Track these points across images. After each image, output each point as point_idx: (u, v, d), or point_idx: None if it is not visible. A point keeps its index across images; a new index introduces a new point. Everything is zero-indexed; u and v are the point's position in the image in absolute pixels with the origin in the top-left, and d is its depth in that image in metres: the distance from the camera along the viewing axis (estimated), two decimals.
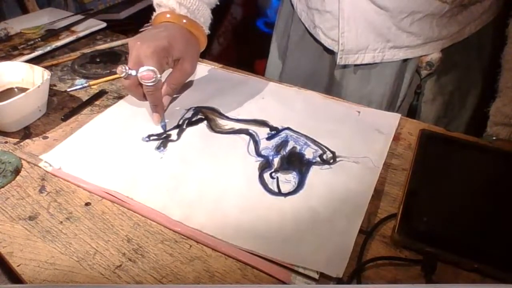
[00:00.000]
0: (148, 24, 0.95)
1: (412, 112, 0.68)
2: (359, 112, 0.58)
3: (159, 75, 0.51)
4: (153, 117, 0.55)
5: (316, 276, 0.36)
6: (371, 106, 0.62)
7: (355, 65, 0.68)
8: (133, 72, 0.51)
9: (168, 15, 0.57)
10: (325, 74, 0.73)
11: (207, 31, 0.60)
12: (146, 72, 0.50)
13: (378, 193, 0.45)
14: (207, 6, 0.60)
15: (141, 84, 0.52)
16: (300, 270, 0.37)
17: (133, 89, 0.54)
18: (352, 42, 0.64)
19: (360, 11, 0.61)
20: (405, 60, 0.65)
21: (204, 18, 0.60)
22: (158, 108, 0.54)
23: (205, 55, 1.55)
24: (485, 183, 0.46)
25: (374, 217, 0.42)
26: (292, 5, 0.76)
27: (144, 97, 0.55)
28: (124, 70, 0.51)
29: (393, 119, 0.56)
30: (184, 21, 0.57)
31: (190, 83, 0.65)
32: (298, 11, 0.74)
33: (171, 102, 0.58)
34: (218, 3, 0.63)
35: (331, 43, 0.68)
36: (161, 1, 0.57)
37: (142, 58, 0.51)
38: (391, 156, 0.50)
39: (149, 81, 0.50)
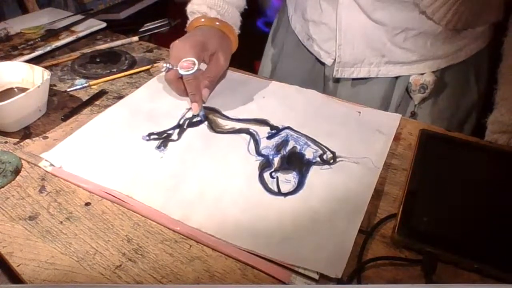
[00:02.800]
0: (148, 23, 0.96)
1: None
2: (359, 112, 0.58)
3: (197, 65, 0.55)
4: (192, 106, 0.57)
5: (316, 277, 0.36)
6: None
7: (348, 79, 0.68)
8: (171, 66, 0.57)
9: (202, 20, 0.63)
10: (317, 86, 0.73)
11: (237, 31, 0.66)
12: (185, 63, 0.55)
13: (378, 193, 0.45)
14: (236, 9, 0.67)
15: (181, 78, 0.57)
16: (300, 270, 0.37)
17: (174, 82, 0.59)
18: (349, 55, 0.65)
19: (357, 24, 0.62)
20: (396, 78, 0.65)
21: (234, 19, 0.66)
22: (197, 97, 0.57)
23: None
24: (485, 183, 0.46)
25: (374, 217, 0.42)
26: (288, 17, 0.77)
27: (183, 91, 0.59)
28: (164, 65, 0.57)
29: (393, 119, 0.56)
30: (217, 23, 0.63)
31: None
32: (292, 23, 0.75)
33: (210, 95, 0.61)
34: (246, 7, 0.69)
35: (324, 55, 0.69)
36: (193, 9, 0.65)
37: (181, 54, 0.56)
38: (391, 156, 0.50)
39: (189, 70, 0.54)
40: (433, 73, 0.63)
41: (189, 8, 0.66)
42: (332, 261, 0.37)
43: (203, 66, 0.61)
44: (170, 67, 0.57)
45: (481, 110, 0.67)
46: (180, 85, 0.58)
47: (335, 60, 0.67)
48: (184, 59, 0.55)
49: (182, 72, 0.55)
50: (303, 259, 0.37)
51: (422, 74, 0.63)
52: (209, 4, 0.63)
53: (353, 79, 0.68)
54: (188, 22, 0.66)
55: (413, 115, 0.66)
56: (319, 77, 0.73)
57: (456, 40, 0.61)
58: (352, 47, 0.64)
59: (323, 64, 0.70)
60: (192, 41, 0.58)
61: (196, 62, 0.55)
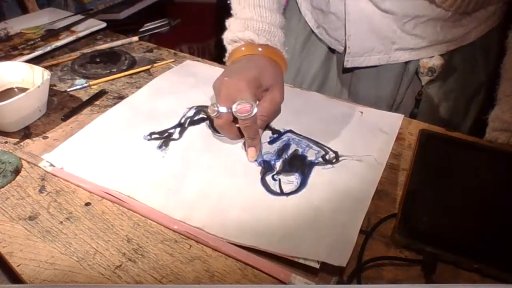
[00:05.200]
0: (148, 23, 0.96)
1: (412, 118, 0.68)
2: (361, 112, 0.58)
3: (256, 107, 0.47)
4: (249, 152, 0.50)
5: (317, 266, 0.36)
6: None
7: (361, 68, 0.68)
8: (224, 110, 0.48)
9: (243, 48, 0.55)
10: (332, 76, 0.73)
11: (286, 55, 0.58)
12: (242, 106, 0.47)
13: (378, 193, 0.45)
14: (282, 31, 0.58)
15: (234, 121, 0.49)
16: (301, 261, 0.37)
17: (227, 128, 0.50)
18: (358, 45, 0.65)
19: (365, 14, 0.62)
20: (406, 63, 0.65)
21: (281, 42, 0.57)
22: (256, 141, 0.50)
23: (205, 55, 1.56)
24: (485, 183, 0.46)
25: (374, 217, 0.42)
26: (297, 4, 0.76)
27: (238, 135, 0.52)
28: (215, 109, 0.48)
29: (396, 119, 0.56)
30: (260, 49, 0.54)
31: (193, 83, 0.65)
32: (302, 11, 0.74)
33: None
34: (284, 22, 0.60)
35: (335, 43, 0.68)
36: (236, 37, 0.55)
37: (234, 93, 0.48)
38: (391, 156, 0.50)
39: (247, 114, 0.47)
40: (441, 56, 0.62)
41: (229, 36, 0.57)
42: (335, 250, 0.37)
43: None
44: (222, 111, 0.48)
45: (490, 91, 0.65)
46: (234, 129, 0.51)
47: (345, 49, 0.66)
48: (240, 101, 0.47)
49: (238, 116, 0.47)
50: (303, 250, 0.37)
51: (431, 57, 0.63)
52: (255, 30, 0.54)
53: (365, 67, 0.67)
54: (228, 52, 0.57)
55: (420, 95, 0.65)
56: (332, 65, 0.73)
57: (466, 22, 0.60)
58: (361, 37, 0.64)
59: (333, 51, 0.70)
60: (246, 78, 0.49)
61: (254, 103, 0.47)
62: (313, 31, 0.73)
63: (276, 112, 0.53)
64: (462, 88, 0.66)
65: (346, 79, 0.71)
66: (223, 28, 0.60)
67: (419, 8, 0.58)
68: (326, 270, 0.37)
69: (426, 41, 0.61)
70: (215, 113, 0.48)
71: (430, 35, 0.61)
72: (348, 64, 0.67)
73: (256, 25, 0.55)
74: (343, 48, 0.67)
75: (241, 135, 0.51)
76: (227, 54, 0.58)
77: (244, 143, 0.52)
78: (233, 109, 0.47)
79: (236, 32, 0.55)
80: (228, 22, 0.58)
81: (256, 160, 0.50)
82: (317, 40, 0.73)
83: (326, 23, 0.67)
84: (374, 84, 0.68)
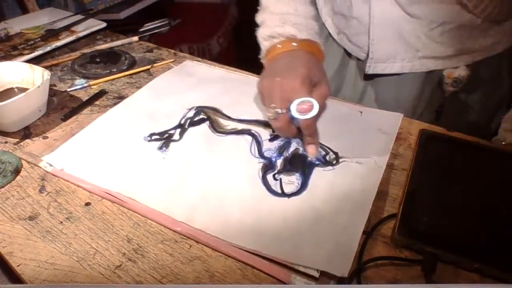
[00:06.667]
0: (148, 23, 0.96)
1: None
2: (361, 112, 0.58)
3: (317, 105, 0.46)
4: (309, 149, 0.50)
5: (316, 275, 0.36)
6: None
7: (380, 76, 0.65)
8: (283, 111, 0.47)
9: (279, 46, 0.53)
10: (347, 83, 0.72)
11: (323, 47, 0.55)
12: (303, 105, 0.46)
13: (378, 193, 0.45)
14: (315, 22, 0.56)
15: (291, 121, 0.48)
16: (300, 269, 0.37)
17: (286, 128, 0.49)
18: (381, 50, 0.63)
19: (390, 18, 0.60)
20: (429, 72, 0.63)
21: (318, 34, 0.55)
22: (315, 139, 0.50)
23: (205, 55, 1.56)
24: (485, 183, 0.46)
25: (374, 217, 0.42)
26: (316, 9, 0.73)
27: (297, 134, 0.51)
28: (276, 111, 0.47)
29: (395, 118, 0.56)
30: (294, 44, 0.52)
31: (193, 83, 0.65)
32: (323, 17, 0.72)
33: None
34: (316, 11, 0.59)
35: (356, 50, 0.66)
36: (274, 32, 0.53)
37: (290, 93, 0.47)
38: (391, 156, 0.50)
39: (309, 113, 0.46)
40: (467, 67, 0.60)
41: (266, 32, 0.54)
42: (335, 259, 0.37)
43: None
44: (280, 112, 0.47)
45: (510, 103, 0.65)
46: (293, 129, 0.49)
47: (368, 55, 0.64)
48: (300, 100, 0.46)
49: (299, 116, 0.46)
50: (303, 258, 0.37)
51: (456, 67, 0.60)
52: (295, 24, 0.52)
53: (385, 74, 0.65)
54: (266, 49, 0.55)
55: (441, 107, 0.63)
56: (348, 71, 0.71)
57: (494, 32, 0.59)
58: (385, 42, 0.62)
59: (350, 57, 0.68)
60: (299, 76, 0.47)
61: (314, 102, 0.46)
62: (330, 36, 0.71)
63: (325, 106, 0.50)
64: (485, 101, 0.64)
65: (363, 87, 0.69)
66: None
67: (448, 14, 0.56)
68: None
69: (452, 49, 0.59)
70: (275, 115, 0.47)
71: (457, 43, 0.58)
72: (370, 70, 0.64)
73: (294, 19, 0.53)
74: (365, 54, 0.65)
75: (298, 135, 0.51)
76: (263, 52, 0.56)
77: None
78: (292, 109, 0.46)
79: (274, 28, 0.53)
80: (261, 18, 0.55)
81: (317, 157, 0.49)
82: (334, 45, 0.71)
83: (348, 28, 0.65)
84: (393, 93, 0.66)
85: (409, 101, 0.65)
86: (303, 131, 0.49)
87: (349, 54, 0.69)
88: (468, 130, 0.61)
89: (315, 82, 0.49)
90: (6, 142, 0.54)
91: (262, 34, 0.55)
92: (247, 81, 0.66)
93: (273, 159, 0.50)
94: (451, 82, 0.61)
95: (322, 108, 0.49)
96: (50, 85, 0.64)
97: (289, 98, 0.47)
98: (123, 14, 1.15)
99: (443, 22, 0.57)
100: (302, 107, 0.46)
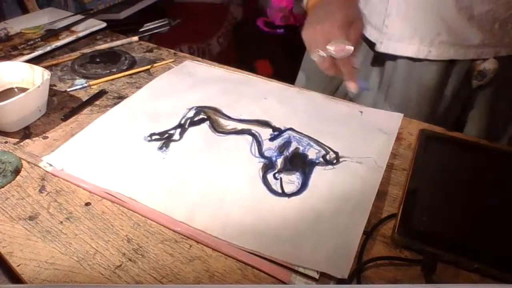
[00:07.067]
0: (148, 23, 0.96)
1: (460, 126, 0.62)
2: (361, 112, 0.58)
3: (350, 46, 0.50)
4: (350, 85, 0.53)
5: (316, 276, 0.36)
6: (408, 111, 0.59)
7: (397, 62, 0.62)
8: (325, 54, 0.52)
9: None
10: (373, 78, 0.69)
11: None
12: (337, 46, 0.50)
13: (378, 193, 0.45)
14: None
15: (335, 60, 0.52)
16: (300, 270, 0.37)
17: (332, 68, 0.53)
18: (397, 26, 0.59)
19: None
20: (451, 62, 0.58)
21: None
22: (354, 75, 0.53)
23: (205, 55, 1.56)
24: (485, 183, 0.46)
25: (374, 217, 0.42)
26: None
27: (341, 72, 0.53)
28: (322, 53, 0.52)
29: (395, 118, 0.56)
30: None
31: (193, 83, 0.65)
32: None
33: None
34: None
35: (374, 33, 0.63)
36: None
37: (330, 37, 0.50)
38: (391, 156, 0.50)
39: (343, 52, 0.50)
40: (495, 60, 0.56)
41: None
42: (334, 260, 0.37)
43: None
44: (323, 55, 0.51)
45: None
46: (336, 68, 0.53)
47: (381, 31, 0.61)
48: (334, 42, 0.50)
49: (337, 55, 0.51)
50: (302, 259, 0.37)
51: (485, 59, 0.57)
52: None
53: (398, 57, 0.61)
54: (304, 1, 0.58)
55: (470, 100, 0.61)
56: (368, 66, 0.69)
57: None
58: (403, 17, 0.58)
59: (373, 48, 0.65)
60: (337, 23, 0.51)
61: (349, 43, 0.50)
62: None
63: (360, 42, 0.56)
64: (510, 100, 0.61)
65: (385, 80, 0.66)
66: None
67: None
68: None
69: (478, 38, 0.55)
70: (320, 59, 0.52)
71: (486, 32, 0.54)
72: (381, 47, 0.61)
73: None
74: (378, 32, 0.62)
75: (341, 74, 0.53)
76: (305, 0, 0.60)
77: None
78: (331, 50, 0.50)
79: None
80: None
81: (360, 88, 0.54)
82: None
83: (367, 8, 0.62)
84: (414, 83, 0.62)
85: (433, 91, 0.61)
86: (342, 69, 0.52)
87: (372, 49, 0.66)
88: (485, 128, 0.61)
89: (351, 22, 0.52)
90: (6, 142, 0.54)
91: None
92: (247, 81, 0.66)
93: (273, 159, 0.50)
94: (475, 75, 0.58)
95: (357, 43, 0.53)
96: (50, 85, 0.64)
97: (328, 42, 0.50)
98: (123, 14, 1.15)
99: (472, 3, 0.53)
100: (339, 48, 0.50)
